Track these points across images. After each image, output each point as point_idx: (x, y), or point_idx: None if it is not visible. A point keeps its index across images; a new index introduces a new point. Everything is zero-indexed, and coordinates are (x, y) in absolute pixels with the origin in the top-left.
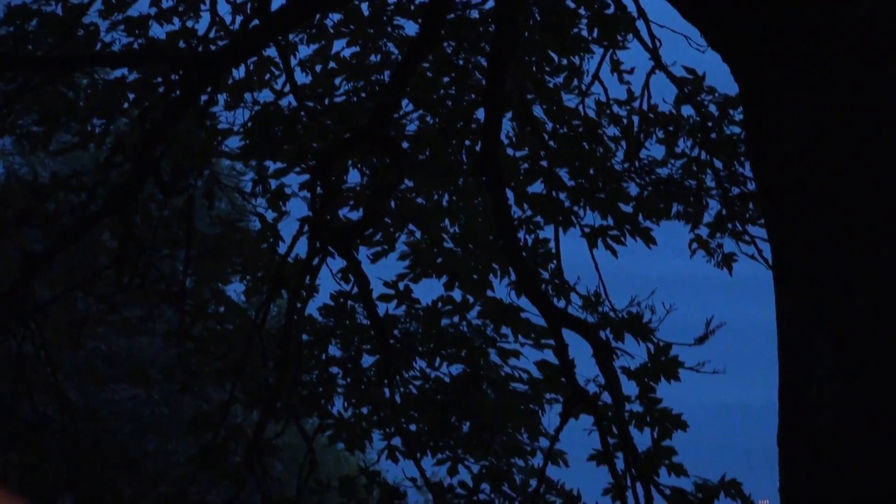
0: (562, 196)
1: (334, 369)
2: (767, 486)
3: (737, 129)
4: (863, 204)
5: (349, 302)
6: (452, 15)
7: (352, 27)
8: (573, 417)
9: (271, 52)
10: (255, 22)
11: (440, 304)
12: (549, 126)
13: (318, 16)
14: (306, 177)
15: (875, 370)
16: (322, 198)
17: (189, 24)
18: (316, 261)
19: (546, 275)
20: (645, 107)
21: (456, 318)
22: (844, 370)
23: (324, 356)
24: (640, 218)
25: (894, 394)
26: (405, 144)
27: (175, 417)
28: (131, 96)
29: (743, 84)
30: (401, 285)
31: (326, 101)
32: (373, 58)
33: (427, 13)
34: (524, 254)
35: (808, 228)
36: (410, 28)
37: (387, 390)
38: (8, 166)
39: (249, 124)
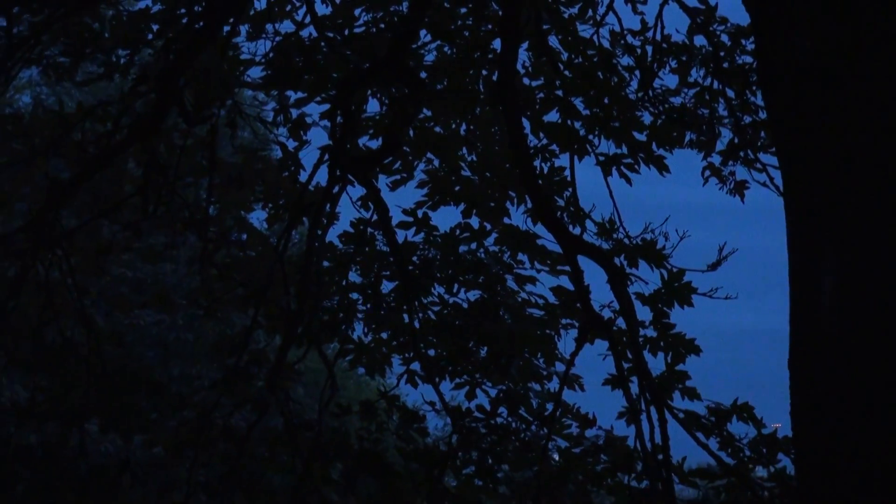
0: (577, 125)
1: (354, 295)
2: (779, 410)
3: (748, 59)
4: (872, 128)
5: (369, 229)
6: None
7: None
8: (588, 342)
9: None
10: None
11: (458, 231)
12: (565, 56)
13: None
14: (326, 106)
15: (881, 292)
16: (342, 127)
17: None
18: (336, 189)
19: (561, 202)
20: (658, 37)
21: (473, 245)
22: (851, 292)
23: (344, 282)
24: (654, 146)
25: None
26: (423, 74)
27: (199, 342)
28: (155, 27)
29: (754, 14)
30: (419, 213)
31: (346, 32)
32: None
33: None
34: (540, 181)
35: (817, 154)
36: None
37: (406, 316)
38: (35, 96)
39: (271, 55)
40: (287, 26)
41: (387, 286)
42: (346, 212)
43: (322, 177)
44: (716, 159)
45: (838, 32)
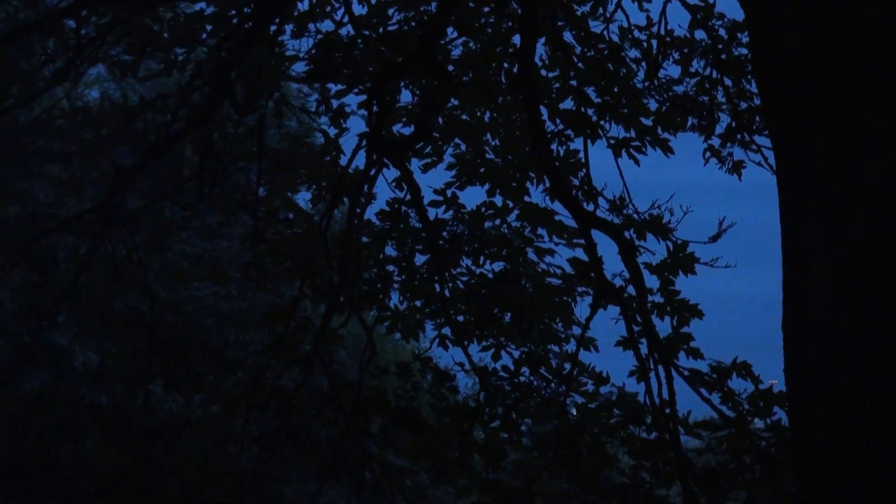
0: (589, 111)
1: (390, 267)
2: (774, 367)
3: (744, 51)
4: (851, 114)
5: (403, 207)
6: None
7: None
8: (602, 308)
9: None
10: None
11: (483, 209)
12: (578, 49)
13: None
14: (363, 97)
15: (863, 259)
16: (378, 115)
17: None
18: (373, 171)
19: (576, 181)
20: (662, 31)
21: (497, 221)
22: (838, 260)
23: (381, 256)
24: (659, 130)
25: (881, 281)
26: (450, 67)
27: (251, 311)
28: (209, 28)
29: (749, 10)
30: (448, 192)
31: (381, 30)
32: None
33: None
34: (557, 163)
35: (806, 136)
36: None
37: (437, 286)
38: (102, 91)
39: (313, 51)
40: (327, 25)
41: (419, 259)
42: (383, 192)
43: (360, 161)
44: (715, 142)
45: (824, 26)
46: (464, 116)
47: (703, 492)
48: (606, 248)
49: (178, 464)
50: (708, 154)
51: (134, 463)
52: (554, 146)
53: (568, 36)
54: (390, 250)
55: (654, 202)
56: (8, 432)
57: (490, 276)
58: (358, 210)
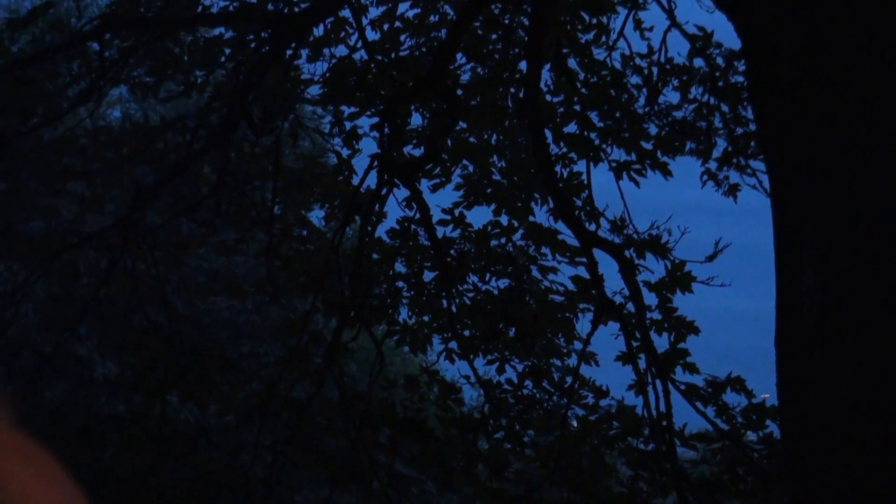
0: (592, 135)
1: (400, 283)
2: (767, 382)
3: (740, 78)
4: (842, 142)
5: (412, 226)
6: None
7: None
8: (602, 324)
9: (346, 13)
10: None
11: (489, 228)
12: (582, 76)
13: None
14: (375, 119)
15: (853, 280)
16: (389, 137)
17: None
18: (384, 191)
19: (579, 202)
20: (662, 59)
21: (503, 240)
22: (829, 280)
23: (391, 272)
24: (659, 154)
25: (869, 299)
26: (459, 91)
27: (265, 324)
28: (227, 51)
29: (745, 39)
30: (456, 212)
31: (393, 55)
32: (432, 17)
33: None
34: (560, 185)
35: (799, 161)
36: None
37: (444, 301)
38: (124, 111)
39: (327, 75)
40: (341, 50)
41: (428, 275)
42: (393, 211)
43: (372, 181)
44: (712, 165)
45: (816, 56)
46: (471, 139)
47: (698, 501)
48: (607, 266)
49: (193, 470)
50: (705, 177)
51: (151, 469)
52: (558, 168)
53: (572, 62)
54: (400, 267)
55: (654, 223)
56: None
57: (495, 292)
58: (369, 228)
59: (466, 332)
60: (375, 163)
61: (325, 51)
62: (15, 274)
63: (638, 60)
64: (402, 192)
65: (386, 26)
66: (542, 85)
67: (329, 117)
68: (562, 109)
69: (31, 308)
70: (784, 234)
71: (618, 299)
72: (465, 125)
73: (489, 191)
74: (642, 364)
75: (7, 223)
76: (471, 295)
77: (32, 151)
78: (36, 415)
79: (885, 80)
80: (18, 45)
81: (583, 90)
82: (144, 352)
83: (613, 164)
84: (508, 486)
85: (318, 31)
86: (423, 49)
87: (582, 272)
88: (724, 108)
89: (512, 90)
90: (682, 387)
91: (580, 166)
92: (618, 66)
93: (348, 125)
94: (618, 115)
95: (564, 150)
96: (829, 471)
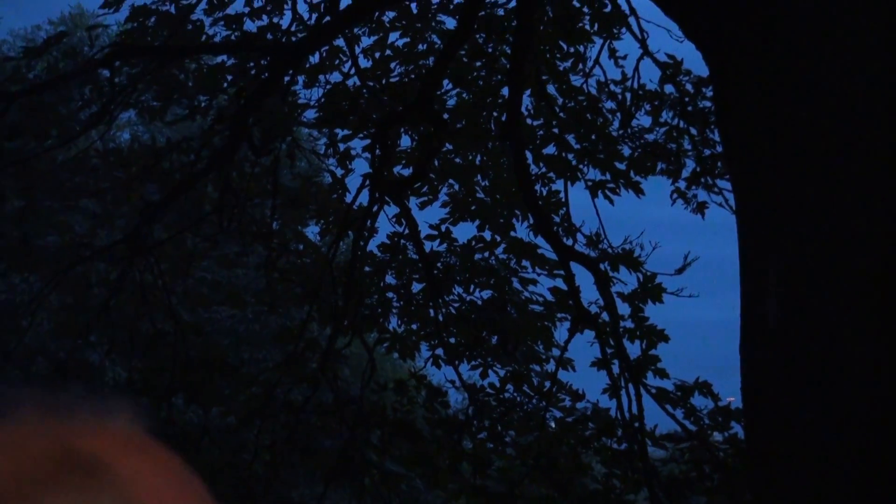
0: (570, 156)
1: (390, 294)
2: (732, 386)
3: (708, 104)
4: (802, 162)
5: (402, 241)
6: (483, 12)
7: (403, 22)
8: (579, 332)
9: (340, 42)
10: (327, 18)
11: (474, 242)
12: (560, 101)
13: (376, 13)
14: (367, 141)
15: (813, 292)
16: (380, 158)
17: (275, 19)
18: (375, 208)
19: (557, 219)
20: (635, 85)
21: (486, 254)
22: (789, 292)
23: (382, 284)
24: (632, 173)
25: (827, 310)
26: (446, 115)
27: (264, 332)
28: (229, 78)
29: (712, 67)
30: (443, 227)
31: (384, 81)
32: (420, 46)
33: (463, 11)
34: (540, 202)
35: (762, 181)
36: (450, 23)
37: (432, 311)
38: (133, 134)
39: (323, 100)
40: (336, 77)
41: (416, 287)
42: (384, 227)
43: (364, 198)
44: (682, 184)
45: (779, 82)
46: (457, 160)
47: (667, 497)
48: (583, 278)
49: (197, 468)
50: (675, 195)
51: None
52: (538, 187)
53: (551, 88)
54: (390, 279)
55: (627, 238)
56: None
57: (479, 302)
58: (361, 242)
59: (452, 340)
60: (367, 182)
61: (321, 77)
62: (31, 285)
63: (612, 86)
64: (392, 209)
65: (377, 54)
66: (523, 109)
67: (324, 139)
68: (541, 132)
69: (46, 317)
70: (748, 249)
71: (593, 309)
72: (451, 147)
73: (473, 208)
74: (616, 369)
75: (23, 238)
76: (456, 305)
77: (47, 171)
78: None
79: (842, 107)
80: (34, 71)
81: (561, 114)
82: (152, 357)
83: (589, 183)
84: (491, 482)
85: (314, 58)
86: (412, 76)
87: (560, 284)
88: (693, 131)
89: (495, 114)
90: (653, 391)
91: (558, 185)
92: (594, 91)
93: (342, 147)
94: (593, 137)
95: (544, 169)
96: (788, 468)
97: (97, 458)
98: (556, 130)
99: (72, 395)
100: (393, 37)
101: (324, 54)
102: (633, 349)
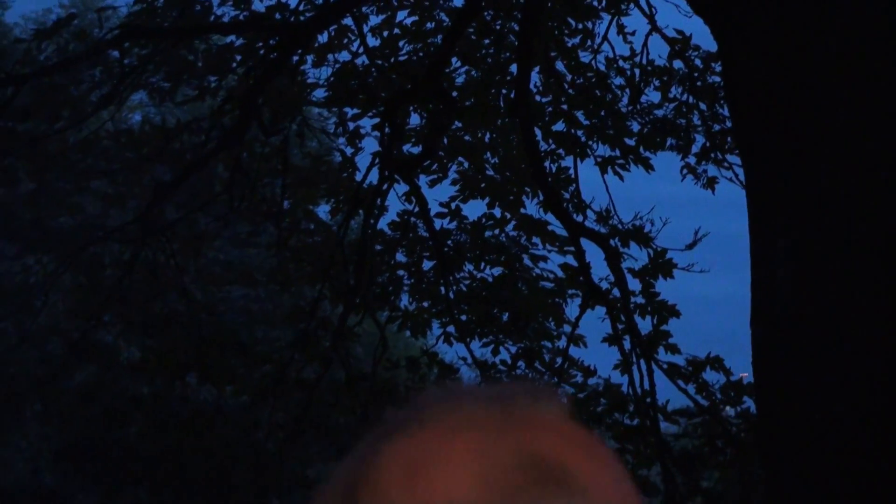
0: (579, 133)
1: (401, 272)
2: (743, 361)
3: (717, 79)
4: (810, 136)
5: (412, 219)
6: None
7: (411, 0)
8: (589, 308)
9: (348, 21)
10: None
11: (484, 220)
12: (569, 77)
13: None
14: (377, 120)
15: (822, 265)
16: (389, 136)
17: None
18: (385, 186)
19: (567, 195)
20: (644, 61)
21: (496, 231)
22: (799, 266)
23: (392, 262)
24: (641, 149)
25: (836, 283)
26: (454, 93)
27: (277, 311)
28: (238, 58)
29: (721, 42)
30: (452, 205)
31: (392, 60)
32: (428, 25)
33: None
34: (549, 179)
35: (771, 155)
36: (458, 1)
37: (442, 288)
38: (143, 115)
39: (332, 79)
40: (344, 56)
41: (427, 264)
42: (394, 205)
43: (374, 177)
44: (691, 160)
45: (786, 56)
46: (466, 137)
47: (680, 472)
48: (594, 255)
49: (211, 447)
50: (685, 171)
51: (172, 447)
52: (547, 164)
53: (560, 65)
54: (401, 257)
55: (637, 214)
56: (61, 420)
57: (490, 279)
58: (372, 221)
59: (463, 317)
60: (377, 160)
61: (329, 57)
62: (44, 266)
63: (621, 63)
64: (402, 188)
65: (385, 33)
66: (531, 86)
67: (333, 118)
68: (550, 109)
69: (60, 297)
70: (758, 223)
71: (604, 285)
72: (460, 124)
73: (483, 185)
74: (627, 345)
75: (36, 219)
76: (467, 282)
77: (59, 152)
78: (66, 396)
79: (849, 78)
80: (45, 53)
81: (570, 91)
82: (165, 337)
83: (599, 160)
84: None
85: (323, 38)
86: (421, 54)
87: (570, 260)
88: (702, 106)
89: (504, 91)
90: (665, 366)
91: (568, 162)
92: (602, 68)
93: (351, 126)
94: (602, 113)
95: (553, 146)
96: (800, 441)
97: (563, 467)
98: (564, 107)
99: (507, 388)
100: (401, 15)
101: (332, 33)
102: (645, 325)
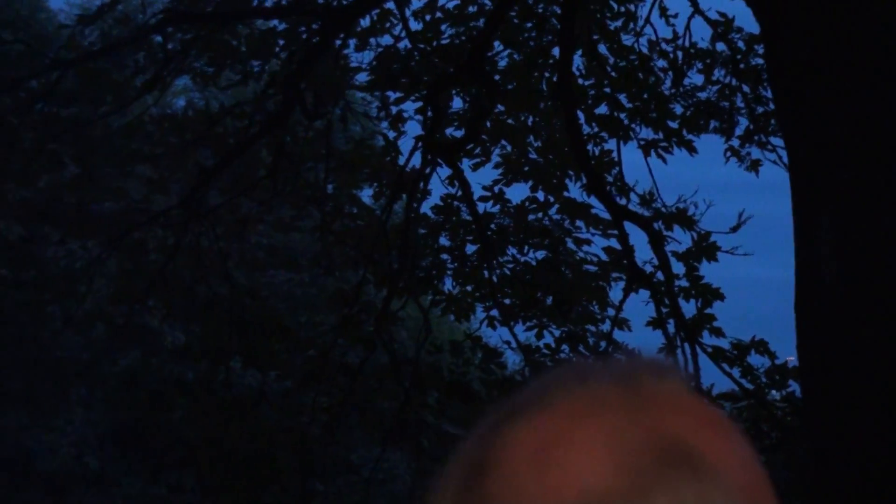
0: (622, 116)
1: (444, 256)
2: (788, 344)
3: (760, 61)
4: (855, 118)
5: (455, 202)
6: None
7: None
8: (633, 292)
9: (391, 5)
10: None
11: (527, 203)
12: (612, 60)
13: None
14: (419, 104)
15: (867, 247)
16: (432, 120)
17: None
18: (428, 170)
19: (610, 178)
20: (687, 44)
21: (540, 214)
22: (844, 248)
23: (435, 246)
24: (685, 132)
25: (882, 265)
26: (497, 77)
27: (320, 295)
28: (281, 42)
29: (763, 24)
30: (496, 189)
31: (434, 44)
32: (471, 8)
33: None
34: (592, 162)
35: (815, 138)
36: None
37: (486, 272)
38: (187, 99)
39: (374, 63)
40: (387, 40)
41: (470, 248)
42: (437, 189)
43: (416, 161)
44: (735, 142)
45: (830, 38)
46: (509, 121)
47: None
48: (637, 238)
49: (255, 432)
50: (728, 153)
51: (216, 431)
52: (590, 147)
53: (602, 48)
54: (444, 241)
55: (680, 197)
56: (106, 405)
57: (533, 263)
58: (415, 205)
59: (507, 301)
60: (420, 144)
61: (372, 40)
62: (89, 251)
63: (664, 45)
64: (444, 171)
65: (428, 17)
66: (574, 69)
67: (376, 102)
68: (593, 92)
69: (104, 282)
70: (802, 206)
71: (648, 268)
72: (502, 108)
73: (526, 169)
74: (671, 328)
75: (81, 204)
76: (510, 266)
77: (103, 137)
78: (111, 381)
79: (893, 58)
80: (89, 39)
81: (612, 74)
82: (209, 322)
83: (642, 143)
84: None
85: (365, 22)
86: (463, 37)
87: (614, 244)
88: (746, 88)
89: (546, 75)
90: (709, 349)
91: (611, 145)
92: (645, 50)
93: (394, 109)
94: (645, 96)
95: (596, 129)
96: (845, 425)
97: (695, 449)
98: (607, 90)
99: (631, 366)
100: None
101: (374, 17)
102: (689, 308)
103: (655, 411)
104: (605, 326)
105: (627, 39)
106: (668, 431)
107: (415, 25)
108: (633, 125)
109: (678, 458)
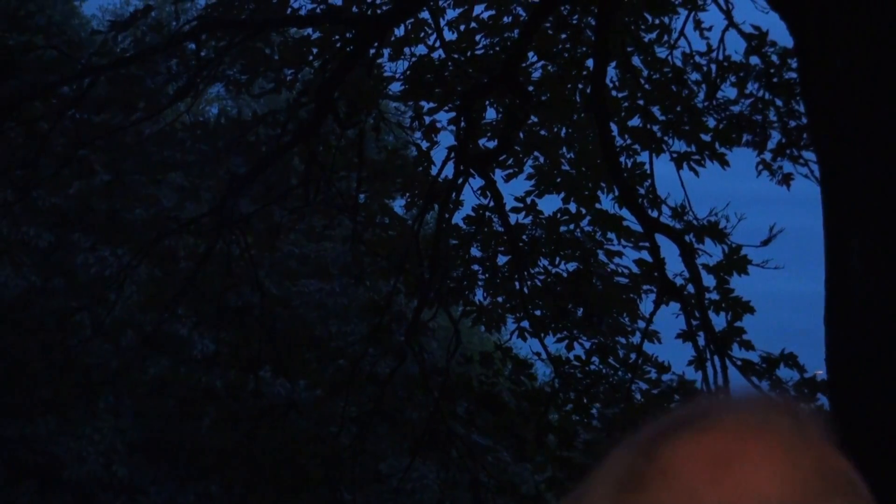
0: (655, 128)
1: (475, 267)
2: (818, 358)
3: (793, 75)
4: (887, 133)
5: (487, 213)
6: None
7: None
8: (664, 304)
9: (425, 14)
10: None
11: (559, 215)
12: (645, 72)
13: None
14: (453, 114)
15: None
16: (465, 130)
17: None
18: (461, 180)
19: (642, 191)
20: (720, 57)
21: (571, 226)
22: (875, 263)
23: (467, 256)
24: (717, 145)
25: None
26: (531, 88)
27: (351, 305)
28: (315, 51)
29: (797, 38)
30: (528, 200)
31: (469, 54)
32: (505, 19)
33: None
34: (625, 174)
35: (847, 152)
36: None
37: (517, 283)
38: (220, 107)
39: (408, 72)
40: (421, 49)
41: (501, 259)
42: (469, 199)
43: (449, 171)
44: (767, 156)
45: (863, 54)
46: (542, 132)
47: None
48: (669, 250)
49: (283, 441)
50: (760, 167)
51: (245, 440)
52: (623, 159)
53: (636, 60)
54: (475, 251)
55: (712, 210)
56: (134, 413)
57: (565, 275)
58: (447, 215)
59: (538, 312)
60: (453, 154)
61: (406, 50)
62: (119, 258)
63: (697, 58)
64: (477, 182)
65: (462, 27)
66: (607, 81)
67: (410, 112)
68: (626, 104)
69: (135, 290)
70: (833, 220)
71: (678, 281)
72: (536, 119)
73: (559, 180)
74: (701, 341)
75: (112, 211)
76: (541, 277)
77: (135, 144)
78: (140, 389)
79: None
80: (122, 45)
81: (646, 86)
82: (239, 331)
83: (674, 155)
84: (577, 455)
85: (399, 31)
86: (497, 48)
87: (645, 256)
88: (779, 102)
89: (580, 86)
90: (739, 362)
91: (643, 157)
92: (679, 63)
93: (427, 119)
94: (678, 109)
95: (629, 141)
96: (875, 440)
97: (857, 481)
98: (641, 102)
99: (783, 402)
100: (478, 9)
101: (409, 27)
102: (719, 321)
103: (817, 440)
104: (636, 339)
105: (661, 52)
106: (830, 459)
107: (449, 35)
108: (665, 137)
109: (843, 487)
